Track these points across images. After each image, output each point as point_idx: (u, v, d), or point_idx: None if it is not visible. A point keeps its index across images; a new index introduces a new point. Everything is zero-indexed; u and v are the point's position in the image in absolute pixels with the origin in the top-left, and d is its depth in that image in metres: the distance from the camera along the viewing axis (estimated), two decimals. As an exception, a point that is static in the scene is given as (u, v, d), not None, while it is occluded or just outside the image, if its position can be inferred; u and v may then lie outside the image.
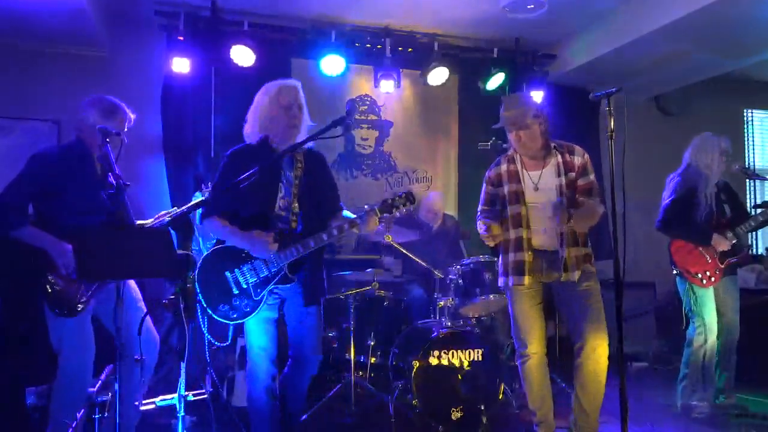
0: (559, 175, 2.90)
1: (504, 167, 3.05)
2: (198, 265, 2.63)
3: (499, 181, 3.05)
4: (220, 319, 2.61)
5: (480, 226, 2.95)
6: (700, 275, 3.61)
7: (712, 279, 3.60)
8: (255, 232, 2.56)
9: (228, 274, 2.60)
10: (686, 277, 3.67)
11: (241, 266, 2.61)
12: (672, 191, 3.70)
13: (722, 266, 3.61)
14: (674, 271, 3.75)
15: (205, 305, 2.61)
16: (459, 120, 5.54)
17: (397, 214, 2.66)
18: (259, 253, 2.57)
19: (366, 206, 2.65)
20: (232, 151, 2.69)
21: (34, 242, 2.61)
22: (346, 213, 2.79)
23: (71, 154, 2.75)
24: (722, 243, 3.58)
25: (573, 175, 2.90)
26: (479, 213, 3.13)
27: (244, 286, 2.59)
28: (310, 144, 2.69)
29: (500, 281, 3.06)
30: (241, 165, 2.48)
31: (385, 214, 2.63)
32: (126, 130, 2.83)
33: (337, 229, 2.60)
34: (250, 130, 2.72)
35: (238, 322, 2.62)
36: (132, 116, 2.88)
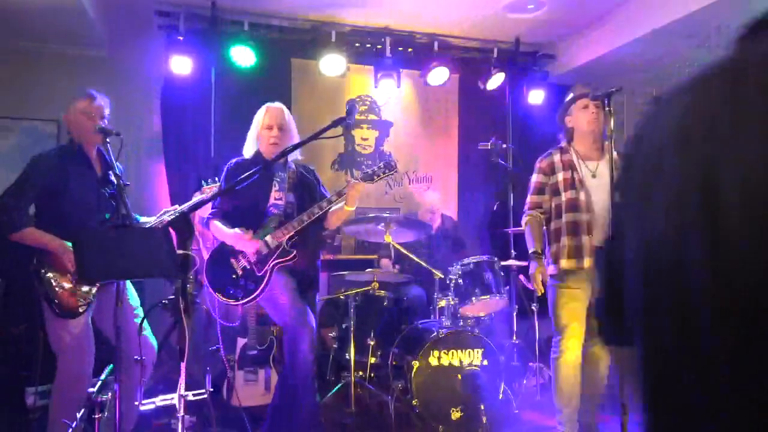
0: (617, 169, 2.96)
1: (557, 157, 3.05)
2: (207, 259, 2.94)
3: (552, 170, 3.05)
4: (230, 301, 2.84)
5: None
6: None
7: None
8: (236, 229, 2.81)
9: (232, 259, 2.86)
10: None
11: (243, 251, 2.87)
12: None
13: None
14: None
15: (214, 291, 2.86)
16: (459, 120, 5.53)
17: (377, 180, 2.93)
18: (241, 246, 2.83)
19: (348, 179, 2.96)
20: (231, 165, 3.01)
21: (38, 243, 2.61)
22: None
23: (69, 154, 2.76)
24: None
25: None
26: (527, 204, 3.14)
27: (247, 267, 2.83)
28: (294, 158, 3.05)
29: (552, 269, 3.02)
30: (238, 174, 2.63)
31: (367, 182, 2.90)
32: (108, 114, 2.83)
33: (326, 201, 2.86)
34: (248, 144, 3.05)
35: (244, 301, 2.83)
36: (105, 101, 2.88)
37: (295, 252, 2.86)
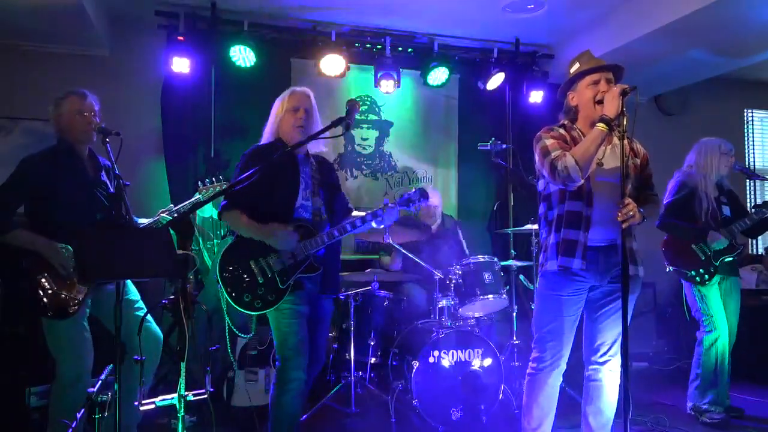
0: (626, 156, 2.36)
1: (562, 131, 2.56)
2: (220, 255, 2.63)
3: (564, 140, 2.51)
4: (243, 311, 2.58)
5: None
6: (693, 273, 3.60)
7: (706, 276, 3.58)
8: (275, 225, 2.59)
9: (252, 263, 2.59)
10: (681, 276, 3.67)
11: (266, 255, 2.60)
12: (672, 192, 3.73)
13: (716, 264, 3.58)
14: (668, 269, 3.75)
15: (228, 297, 2.57)
16: (459, 120, 5.53)
17: (413, 209, 2.80)
18: (284, 245, 2.58)
19: (385, 200, 2.78)
20: (252, 149, 2.73)
21: (26, 245, 2.60)
22: (356, 213, 2.92)
23: (59, 155, 2.75)
24: (716, 238, 3.57)
25: (638, 160, 2.59)
26: (555, 155, 2.44)
27: (269, 275, 2.58)
28: (317, 150, 2.88)
29: (548, 265, 2.57)
30: (259, 162, 2.48)
31: (403, 207, 2.78)
32: (97, 112, 2.81)
33: (361, 219, 2.71)
34: (266, 132, 2.82)
35: (261, 312, 2.59)
36: (94, 98, 2.86)
37: (322, 268, 2.68)
